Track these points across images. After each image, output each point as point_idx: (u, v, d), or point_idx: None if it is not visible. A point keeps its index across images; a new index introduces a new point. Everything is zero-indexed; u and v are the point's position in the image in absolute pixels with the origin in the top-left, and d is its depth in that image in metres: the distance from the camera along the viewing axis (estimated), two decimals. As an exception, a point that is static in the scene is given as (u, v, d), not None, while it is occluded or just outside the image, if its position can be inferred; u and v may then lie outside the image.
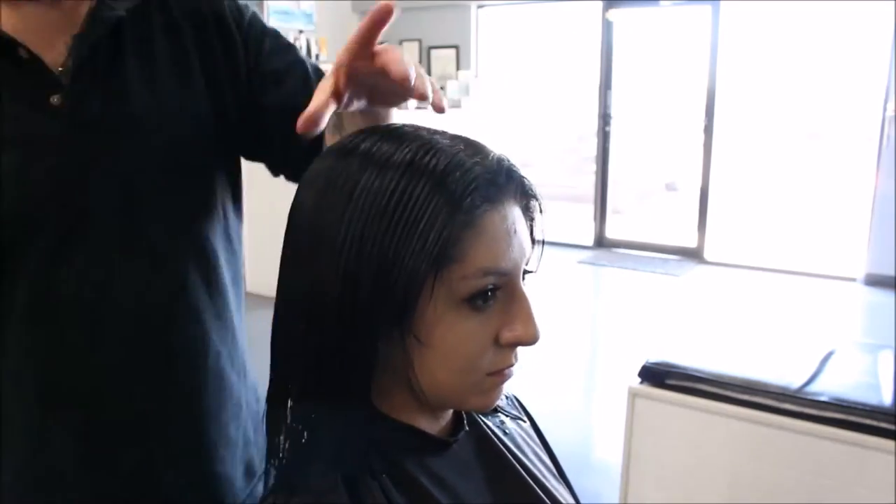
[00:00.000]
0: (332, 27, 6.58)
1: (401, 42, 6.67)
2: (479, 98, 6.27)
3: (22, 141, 0.67)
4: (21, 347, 0.72)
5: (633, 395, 1.68)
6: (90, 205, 0.70)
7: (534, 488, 0.66)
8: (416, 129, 0.58)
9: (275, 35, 0.86)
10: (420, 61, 6.58)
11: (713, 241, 5.71)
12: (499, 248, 0.54)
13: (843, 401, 1.45)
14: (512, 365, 0.59)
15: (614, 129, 6.07)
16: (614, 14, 5.86)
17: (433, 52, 6.53)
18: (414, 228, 0.52)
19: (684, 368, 1.63)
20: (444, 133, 0.58)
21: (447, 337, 0.55)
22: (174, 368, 0.78)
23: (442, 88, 7.21)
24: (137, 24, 0.74)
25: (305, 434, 0.59)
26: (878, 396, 1.46)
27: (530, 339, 0.57)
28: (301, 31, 6.31)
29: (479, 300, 0.54)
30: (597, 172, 6.19)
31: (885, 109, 4.75)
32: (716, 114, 5.54)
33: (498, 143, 0.61)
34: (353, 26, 7.85)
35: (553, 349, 3.72)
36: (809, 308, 4.54)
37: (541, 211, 0.60)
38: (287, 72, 0.83)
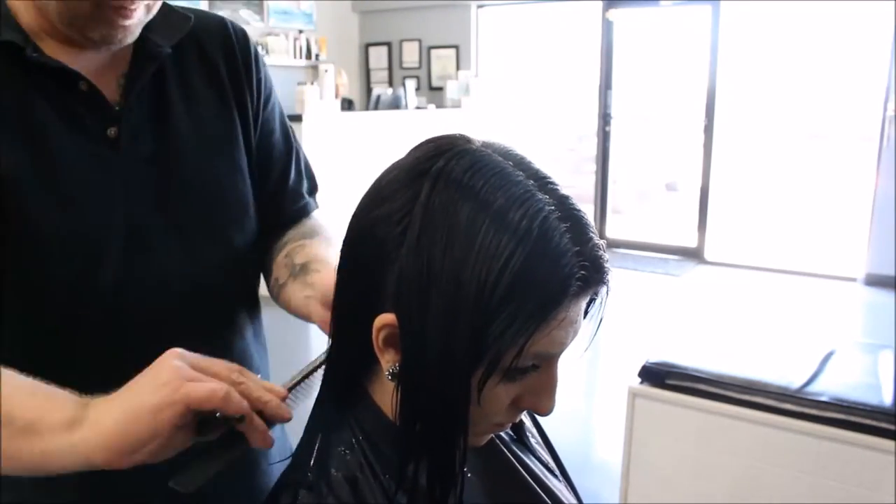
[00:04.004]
0: (331, 27, 6.57)
1: (401, 42, 6.67)
2: (479, 98, 6.26)
3: (80, 168, 0.72)
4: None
5: (633, 395, 1.68)
6: (138, 223, 0.75)
7: (533, 487, 0.66)
8: (518, 165, 0.56)
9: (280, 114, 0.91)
10: (420, 61, 6.59)
11: (713, 241, 5.71)
12: (558, 337, 0.54)
13: (843, 401, 1.45)
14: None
15: (614, 129, 6.06)
16: (614, 14, 5.86)
17: (433, 52, 6.52)
18: (518, 310, 0.51)
19: (684, 368, 1.63)
20: (545, 184, 0.55)
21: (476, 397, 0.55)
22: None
23: (442, 88, 7.10)
24: (176, 62, 0.79)
25: (319, 434, 0.60)
26: (878, 396, 1.46)
27: (547, 412, 0.59)
28: (301, 31, 6.30)
29: (518, 374, 0.55)
30: (597, 172, 6.19)
31: (885, 109, 4.75)
32: (716, 114, 5.54)
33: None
34: (353, 26, 7.83)
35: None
36: (809, 308, 4.54)
37: (607, 293, 0.59)
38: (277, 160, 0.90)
